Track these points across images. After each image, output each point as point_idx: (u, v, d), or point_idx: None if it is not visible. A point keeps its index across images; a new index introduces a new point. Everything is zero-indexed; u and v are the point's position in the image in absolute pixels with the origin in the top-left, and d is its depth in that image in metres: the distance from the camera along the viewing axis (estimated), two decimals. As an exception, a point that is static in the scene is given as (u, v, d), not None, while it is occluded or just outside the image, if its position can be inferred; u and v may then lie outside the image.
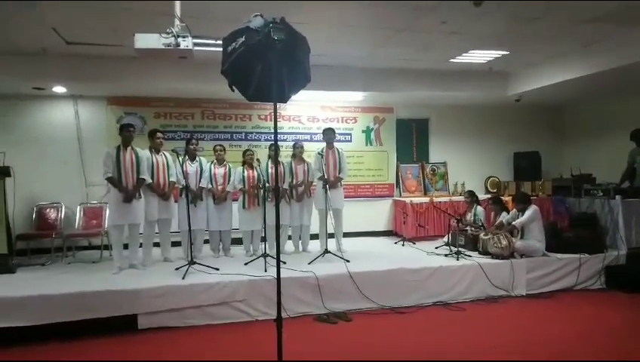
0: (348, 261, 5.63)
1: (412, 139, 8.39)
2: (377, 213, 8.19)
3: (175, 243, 6.17)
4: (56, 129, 6.93)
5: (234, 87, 2.69)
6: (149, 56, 3.34)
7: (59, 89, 6.51)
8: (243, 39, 2.42)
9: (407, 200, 7.71)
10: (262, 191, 6.17)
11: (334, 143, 6.55)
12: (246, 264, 5.63)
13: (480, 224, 6.87)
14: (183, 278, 4.93)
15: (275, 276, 4.84)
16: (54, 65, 5.98)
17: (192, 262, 5.24)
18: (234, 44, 2.49)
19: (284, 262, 5.61)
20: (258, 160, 6.17)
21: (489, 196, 7.75)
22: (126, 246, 5.55)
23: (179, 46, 3.09)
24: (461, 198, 7.80)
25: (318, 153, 6.35)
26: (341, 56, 6.46)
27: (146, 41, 3.08)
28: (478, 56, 6.51)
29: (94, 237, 6.52)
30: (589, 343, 4.24)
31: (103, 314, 4.48)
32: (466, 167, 8.51)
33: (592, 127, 8.49)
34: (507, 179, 8.57)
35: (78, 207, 6.70)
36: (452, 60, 6.63)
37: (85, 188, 6.91)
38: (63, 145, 6.91)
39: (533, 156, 8.53)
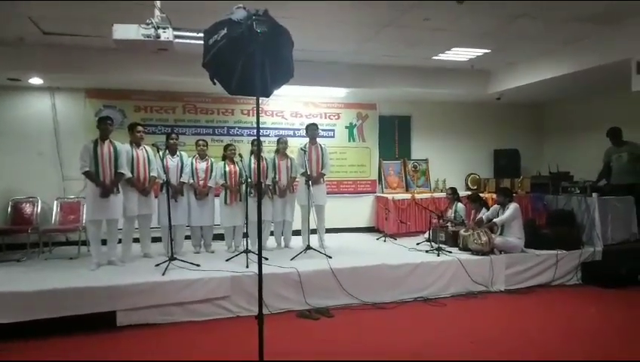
0: (330, 257, 5.63)
1: (394, 135, 8.42)
2: (359, 209, 8.21)
3: (155, 239, 6.06)
4: (32, 122, 6.74)
5: (215, 81, 2.64)
6: (128, 47, 3.26)
7: (35, 80, 6.32)
8: (225, 31, 2.38)
9: (390, 196, 7.75)
10: (244, 186, 6.13)
11: (317, 139, 6.54)
12: (227, 260, 5.57)
13: (461, 220, 6.95)
14: (164, 274, 4.86)
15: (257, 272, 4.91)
16: (31, 55, 5.81)
17: (172, 258, 5.18)
18: (215, 36, 2.44)
19: (267, 258, 5.62)
20: (240, 155, 6.11)
21: (469, 193, 7.85)
22: (104, 242, 5.45)
23: (159, 38, 3.02)
24: (442, 195, 7.88)
25: (301, 149, 6.31)
26: (326, 52, 6.45)
27: (125, 31, 3.00)
28: (461, 54, 6.56)
29: (72, 232, 6.37)
30: (567, 338, 4.32)
31: (80, 311, 4.39)
32: (447, 164, 8.58)
33: (571, 126, 8.65)
34: (487, 176, 8.67)
35: (55, 201, 6.53)
36: (435, 57, 6.67)
37: (62, 182, 6.74)
38: (39, 139, 6.73)
39: (512, 153, 8.66)
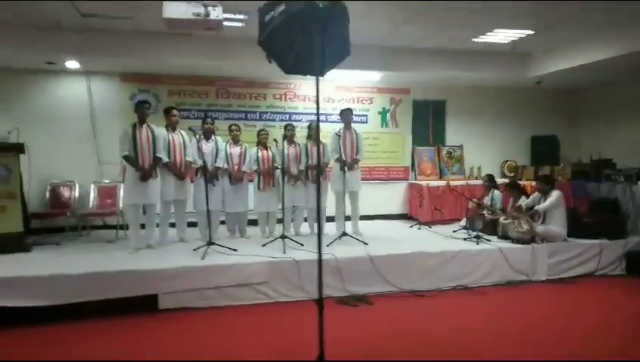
0: (366, 244, 5.57)
1: (428, 121, 8.24)
2: (392, 196, 8.09)
3: (190, 224, 6.08)
4: (68, 106, 6.79)
5: (271, 60, 2.55)
6: (177, 27, 3.19)
7: (71, 64, 6.35)
8: (283, 7, 2.28)
9: (424, 183, 7.60)
10: (278, 171, 6.08)
11: (351, 124, 6.43)
12: (264, 245, 5.54)
13: (499, 208, 6.77)
14: (202, 259, 4.87)
15: (295, 258, 4.88)
16: (68, 39, 5.81)
17: (210, 243, 5.17)
18: (272, 12, 2.35)
19: (302, 244, 5.58)
20: (275, 140, 6.04)
21: (506, 180, 7.65)
22: (142, 226, 5.48)
23: (208, 16, 2.93)
24: (478, 182, 7.69)
25: (336, 134, 6.21)
26: (361, 34, 6.27)
27: (175, 9, 2.93)
28: (502, 36, 6.31)
29: (109, 216, 6.44)
30: (611, 330, 4.16)
31: (122, 293, 4.43)
32: (482, 151, 8.37)
33: (611, 112, 8.31)
34: (524, 163, 8.44)
35: (92, 185, 6.61)
36: (474, 40, 6.44)
37: (99, 166, 6.81)
38: (75, 123, 6.78)
39: (551, 140, 8.39)
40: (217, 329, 4.16)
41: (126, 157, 5.20)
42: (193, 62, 6.39)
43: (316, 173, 2.62)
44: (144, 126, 5.30)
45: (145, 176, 5.21)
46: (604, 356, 3.59)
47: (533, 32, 6.07)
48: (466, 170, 8.25)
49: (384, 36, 6.32)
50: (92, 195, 6.57)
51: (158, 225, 5.67)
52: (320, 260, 2.79)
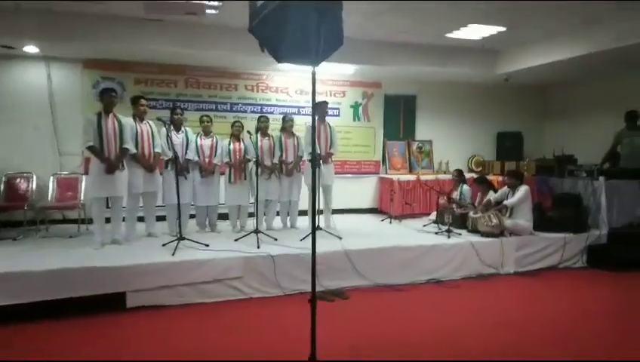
0: (340, 238, 5.53)
1: (399, 115, 8.28)
2: (363, 190, 8.10)
3: (159, 218, 5.86)
4: (26, 93, 6.38)
5: (264, 48, 2.43)
6: (155, 10, 3.00)
7: (31, 48, 5.95)
8: (276, -7, 2.17)
9: (395, 177, 7.64)
10: (251, 164, 5.95)
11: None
12: (236, 240, 5.42)
13: (469, 202, 6.90)
14: (173, 254, 4.68)
15: (270, 253, 4.79)
16: (27, 21, 5.41)
17: (181, 238, 4.98)
18: (264, -2, 2.23)
19: (276, 239, 5.49)
20: (249, 132, 5.89)
21: (474, 175, 7.80)
22: (107, 220, 5.22)
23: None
24: (447, 176, 7.82)
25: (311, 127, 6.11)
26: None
27: (154, -9, 2.74)
28: (474, 32, 6.39)
29: (70, 210, 6.11)
30: (581, 320, 4.32)
31: (88, 291, 4.20)
32: (450, 146, 8.50)
33: (573, 110, 8.63)
34: (490, 159, 8.63)
35: (51, 177, 6.22)
36: (448, 35, 6.49)
37: (59, 157, 6.44)
38: (34, 111, 6.38)
39: (516, 136, 8.63)
40: (190, 327, 4.00)
41: (90, 148, 4.92)
42: (163, 49, 6.11)
43: (312, 165, 2.53)
44: (110, 115, 5.03)
45: (111, 168, 4.95)
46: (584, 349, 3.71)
47: (504, 29, 6.17)
48: (435, 165, 8.36)
49: (358, 29, 6.27)
50: (51, 187, 6.20)
51: (124, 219, 5.42)
52: (314, 257, 2.74)
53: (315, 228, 2.86)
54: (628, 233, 6.42)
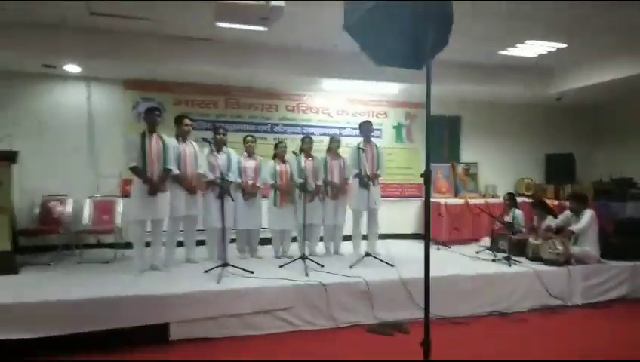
0: (392, 265, 5.13)
1: (443, 137, 7.92)
2: (406, 214, 7.68)
3: (197, 243, 5.56)
4: (65, 113, 6.23)
5: (365, 49, 2.13)
6: (228, 14, 2.75)
7: (71, 68, 5.83)
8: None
9: (442, 201, 7.24)
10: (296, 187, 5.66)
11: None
12: (281, 267, 5.07)
13: (522, 227, 6.44)
14: (218, 282, 4.35)
15: (322, 281, 4.45)
16: (68, 40, 5.30)
17: (225, 264, 4.66)
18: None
19: (322, 265, 5.13)
20: (294, 152, 5.61)
21: (525, 199, 7.36)
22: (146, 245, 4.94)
23: (269, -1, 2.49)
24: (495, 200, 7.39)
25: (359, 147, 5.80)
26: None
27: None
28: (530, 49, 6.06)
29: (106, 234, 5.87)
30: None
31: (128, 323, 3.88)
32: (496, 168, 8.08)
33: (626, 129, 8.14)
34: (538, 182, 8.17)
35: (87, 200, 6.01)
36: (501, 52, 6.17)
37: (95, 179, 6.24)
38: (72, 132, 6.22)
39: (567, 158, 8.15)
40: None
41: (133, 169, 4.69)
42: (207, 70, 5.96)
43: (425, 182, 2.21)
44: (154, 135, 4.81)
45: (154, 189, 4.70)
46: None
47: (564, 46, 5.83)
48: (482, 188, 7.93)
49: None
50: (87, 211, 5.96)
51: (164, 244, 5.14)
52: (427, 286, 2.38)
53: (428, 246, 2.50)
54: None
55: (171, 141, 4.99)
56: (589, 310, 5.21)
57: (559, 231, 5.87)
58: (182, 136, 5.16)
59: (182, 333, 4.02)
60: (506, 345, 4.19)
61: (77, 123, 6.26)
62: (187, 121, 5.19)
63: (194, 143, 5.27)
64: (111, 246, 5.73)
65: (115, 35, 5.47)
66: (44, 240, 5.71)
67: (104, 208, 6.05)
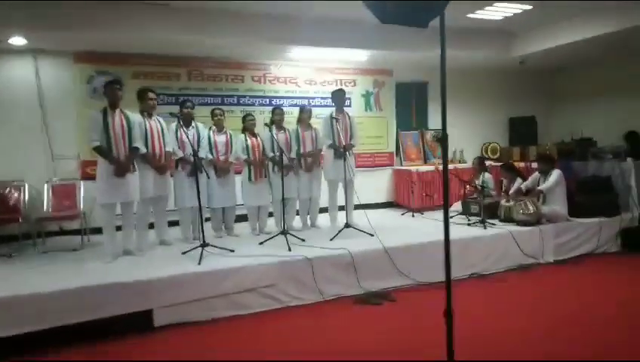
0: (372, 235, 5.12)
1: (411, 104, 7.90)
2: (378, 184, 7.66)
3: (170, 224, 5.32)
4: (13, 91, 5.69)
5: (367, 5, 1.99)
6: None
7: (16, 40, 5.26)
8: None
9: (413, 168, 7.26)
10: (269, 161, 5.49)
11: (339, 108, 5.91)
12: (261, 243, 4.94)
13: (491, 190, 6.59)
14: (199, 263, 4.18)
15: (307, 256, 4.43)
16: (11, 9, 4.75)
17: (205, 244, 4.47)
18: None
19: (303, 240, 5.04)
20: (266, 124, 5.40)
21: (492, 163, 7.52)
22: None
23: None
24: (464, 165, 7.51)
25: (332, 117, 5.66)
26: (350, 8, 5.73)
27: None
28: (498, 12, 6.04)
29: (70, 220, 5.50)
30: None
31: (109, 312, 3.67)
32: (463, 133, 8.13)
33: (585, 92, 8.41)
34: (503, 145, 8.36)
35: (45, 185, 5.57)
36: (469, 15, 6.12)
37: (52, 162, 5.78)
38: (22, 111, 5.70)
39: (529, 121, 8.37)
40: (227, 344, 3.54)
41: (97, 149, 4.35)
42: (165, 38, 5.51)
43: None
44: (117, 111, 4.47)
45: (121, 170, 4.39)
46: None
47: (530, 7, 5.85)
48: (450, 154, 8.02)
49: (368, 10, 5.81)
50: (46, 196, 5.55)
51: (135, 227, 4.86)
52: (447, 245, 2.39)
53: (447, 221, 2.47)
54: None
55: (136, 117, 4.66)
56: (560, 266, 5.43)
57: (528, 192, 6.04)
58: (147, 112, 4.82)
59: (166, 319, 3.84)
60: (489, 303, 4.30)
61: (27, 101, 5.70)
62: (151, 95, 4.84)
63: (160, 119, 4.95)
64: (76, 232, 5.37)
65: (62, 1, 4.95)
66: (1, 230, 5.29)
67: (64, 193, 5.64)
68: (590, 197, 6.24)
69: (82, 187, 5.63)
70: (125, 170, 4.42)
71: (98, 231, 4.93)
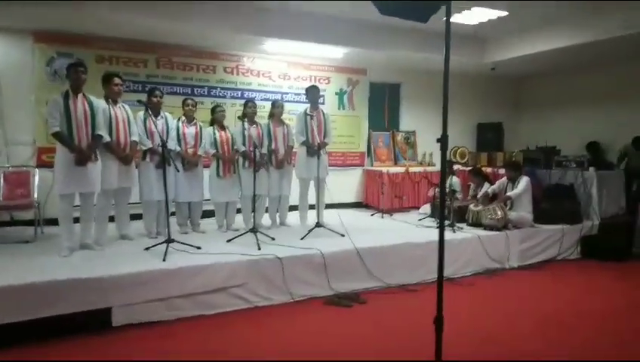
0: (343, 235, 5.04)
1: (384, 105, 7.88)
2: (348, 184, 7.61)
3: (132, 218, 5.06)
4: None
5: None
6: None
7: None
8: None
9: (384, 169, 7.24)
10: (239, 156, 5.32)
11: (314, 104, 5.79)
12: (229, 241, 4.77)
13: (459, 194, 6.66)
14: (164, 260, 3.97)
15: (277, 255, 4.41)
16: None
17: (170, 240, 4.26)
18: None
19: (273, 238, 4.91)
20: (239, 117, 5.23)
21: (460, 167, 7.60)
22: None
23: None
24: (432, 168, 7.56)
25: (306, 114, 5.54)
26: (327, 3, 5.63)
27: None
28: (473, 17, 6.08)
29: (22, 210, 5.14)
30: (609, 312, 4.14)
31: (63, 310, 3.43)
32: (433, 137, 8.14)
33: (549, 101, 8.68)
34: (470, 150, 8.48)
35: (-4, 172, 5.21)
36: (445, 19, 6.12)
37: (5, 148, 5.39)
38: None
39: (496, 127, 8.52)
40: (190, 346, 3.37)
41: (57, 135, 4.07)
42: (130, 20, 5.19)
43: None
44: (80, 96, 4.19)
45: (82, 158, 4.12)
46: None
47: (506, 14, 5.92)
48: (419, 156, 8.07)
49: (346, 7, 5.73)
50: (-3, 184, 5.18)
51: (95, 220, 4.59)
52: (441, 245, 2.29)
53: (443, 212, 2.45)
54: (616, 223, 6.42)
55: (100, 103, 4.39)
56: (524, 271, 5.53)
57: (494, 197, 6.13)
58: (112, 98, 4.55)
59: (126, 318, 3.64)
60: (459, 307, 4.27)
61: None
62: (117, 80, 4.57)
63: (126, 106, 4.69)
64: (29, 223, 5.03)
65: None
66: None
67: (17, 180, 5.27)
68: (554, 204, 6.40)
69: (37, 175, 5.29)
70: (86, 159, 4.15)
71: (53, 222, 4.65)
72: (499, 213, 5.70)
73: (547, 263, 5.86)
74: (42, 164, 5.38)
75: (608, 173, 6.72)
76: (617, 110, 7.57)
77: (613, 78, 7.60)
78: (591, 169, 6.58)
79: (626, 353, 3.38)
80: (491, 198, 6.13)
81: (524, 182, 5.85)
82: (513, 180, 5.96)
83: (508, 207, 5.92)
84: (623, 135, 7.26)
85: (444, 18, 2.44)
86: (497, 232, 5.62)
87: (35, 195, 5.19)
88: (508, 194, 5.88)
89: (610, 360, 3.26)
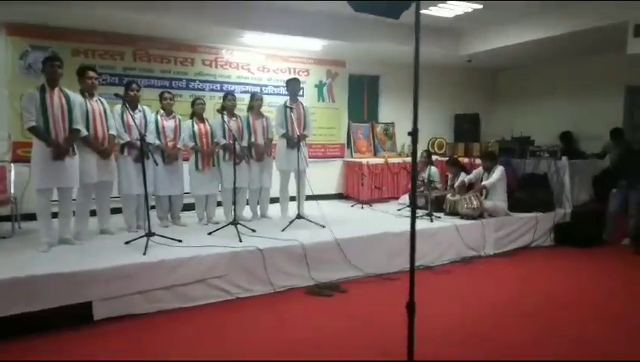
0: (323, 226, 5.13)
1: (363, 97, 7.96)
2: (328, 175, 7.68)
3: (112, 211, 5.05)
4: None
5: None
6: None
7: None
8: None
9: (364, 161, 7.33)
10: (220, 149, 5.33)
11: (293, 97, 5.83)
12: (210, 233, 4.80)
13: (437, 184, 6.80)
14: (145, 254, 3.99)
15: (258, 247, 4.45)
16: None
17: (150, 234, 4.27)
18: None
19: (254, 230, 4.95)
20: (219, 110, 5.21)
21: (438, 157, 7.73)
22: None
23: None
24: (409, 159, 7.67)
25: (286, 106, 5.58)
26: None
27: None
28: (450, 10, 6.18)
29: (0, 205, 5.07)
30: (588, 296, 4.32)
31: (43, 305, 3.43)
32: (410, 128, 8.32)
33: (524, 92, 8.89)
34: (448, 141, 8.63)
35: (-29, 167, 5.13)
36: (423, 11, 6.22)
37: (-21, 142, 5.32)
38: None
39: (473, 118, 8.68)
40: (172, 338, 3.41)
41: (33, 130, 4.03)
42: (106, 13, 5.13)
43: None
44: (56, 90, 4.15)
45: (59, 153, 4.09)
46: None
47: (480, 7, 6.03)
48: (398, 147, 8.18)
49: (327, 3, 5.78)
50: (-29, 179, 5.10)
51: (74, 214, 4.57)
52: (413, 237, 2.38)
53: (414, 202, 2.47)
54: (587, 210, 6.64)
55: (76, 97, 4.36)
56: (499, 258, 5.69)
57: (471, 185, 6.28)
58: (87, 91, 4.52)
59: (107, 311, 3.65)
60: (438, 294, 4.41)
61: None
62: (91, 74, 4.52)
63: (102, 100, 4.66)
64: (6, 219, 4.98)
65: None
66: None
67: (-8, 176, 5.20)
68: (528, 193, 6.59)
69: (13, 170, 5.22)
70: (64, 153, 4.12)
71: (31, 217, 4.62)
72: (474, 202, 5.85)
73: (522, 250, 6.05)
74: (18, 159, 5.32)
75: (580, 162, 6.94)
76: (590, 101, 7.81)
77: (586, 70, 7.82)
78: (564, 158, 6.78)
79: (591, 330, 3.55)
80: (468, 188, 6.29)
81: (498, 171, 6.00)
82: (489, 170, 6.11)
83: (483, 196, 6.08)
84: (594, 125, 7.49)
85: (421, 10, 2.48)
86: (473, 221, 5.77)
87: (12, 190, 5.13)
88: (483, 183, 6.03)
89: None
